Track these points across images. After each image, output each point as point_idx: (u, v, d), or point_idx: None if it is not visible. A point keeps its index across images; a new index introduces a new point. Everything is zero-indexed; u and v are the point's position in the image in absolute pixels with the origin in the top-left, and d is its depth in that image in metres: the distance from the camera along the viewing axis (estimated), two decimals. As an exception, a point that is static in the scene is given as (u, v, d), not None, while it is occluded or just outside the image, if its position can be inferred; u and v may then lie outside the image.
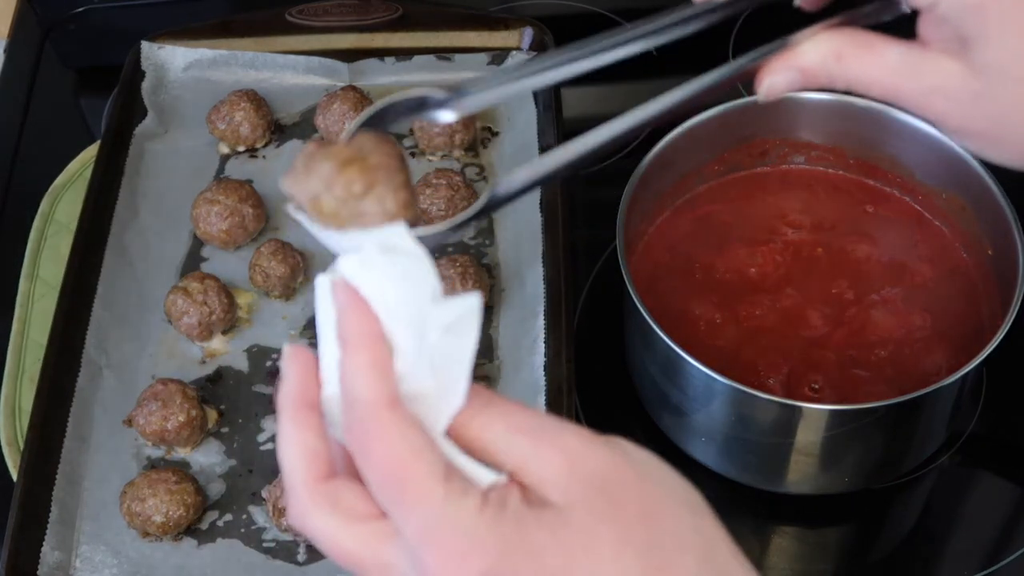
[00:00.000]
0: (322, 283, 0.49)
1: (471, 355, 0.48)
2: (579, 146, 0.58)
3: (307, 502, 0.48)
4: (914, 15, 0.63)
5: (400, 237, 0.48)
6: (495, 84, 0.55)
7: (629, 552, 0.45)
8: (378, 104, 0.52)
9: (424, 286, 0.48)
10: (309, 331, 0.95)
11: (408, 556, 0.46)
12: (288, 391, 0.50)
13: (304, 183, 0.48)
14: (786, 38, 0.62)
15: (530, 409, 0.48)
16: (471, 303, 0.48)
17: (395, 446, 0.46)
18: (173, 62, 1.09)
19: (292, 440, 0.49)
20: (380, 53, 1.10)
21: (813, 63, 0.61)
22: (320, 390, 0.50)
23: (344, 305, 0.48)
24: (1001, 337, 0.78)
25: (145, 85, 1.07)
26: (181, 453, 0.89)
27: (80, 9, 1.21)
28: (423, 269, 0.48)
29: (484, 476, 0.47)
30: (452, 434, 0.48)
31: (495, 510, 0.45)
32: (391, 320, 0.48)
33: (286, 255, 0.96)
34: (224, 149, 1.06)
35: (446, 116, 0.53)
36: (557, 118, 1.00)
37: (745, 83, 0.63)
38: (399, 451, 0.46)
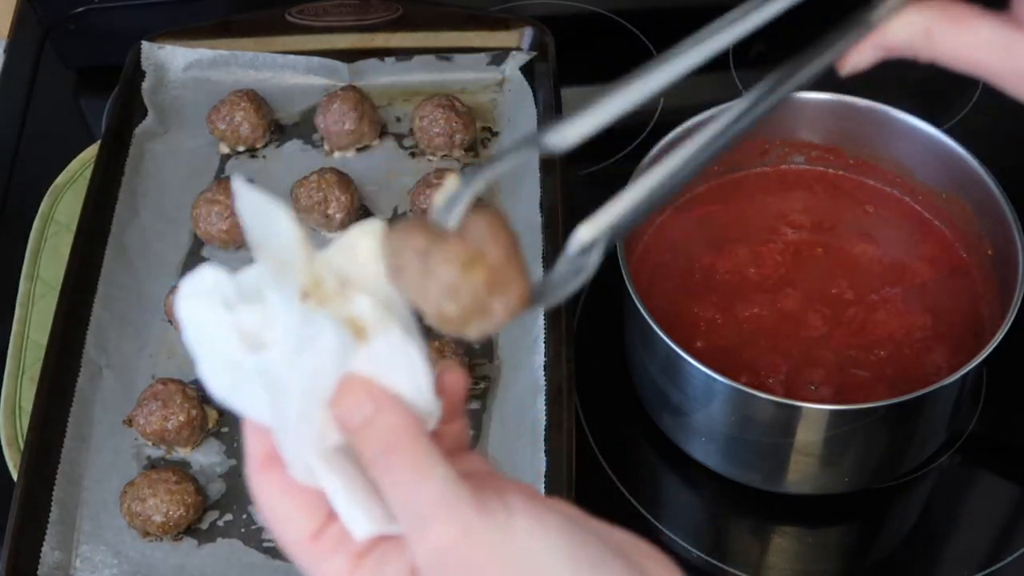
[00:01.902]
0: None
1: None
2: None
3: (300, 559, 0.49)
4: None
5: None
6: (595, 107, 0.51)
7: None
8: (487, 175, 0.47)
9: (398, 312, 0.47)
10: (309, 331, 0.95)
11: None
12: (250, 457, 0.50)
13: (422, 287, 0.45)
14: (865, 14, 0.59)
15: (431, 471, 0.45)
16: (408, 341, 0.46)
17: (265, 509, 0.49)
18: (173, 62, 1.09)
19: (268, 506, 0.49)
20: (380, 53, 1.10)
21: (901, 41, 0.59)
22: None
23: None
24: (1001, 337, 0.78)
25: (145, 85, 1.07)
26: (181, 453, 0.89)
27: (80, 9, 1.21)
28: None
29: (359, 531, 0.47)
30: None
31: (365, 574, 0.46)
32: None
33: (286, 255, 0.95)
34: (224, 149, 1.06)
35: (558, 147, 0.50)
36: (557, 118, 1.00)
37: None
38: (269, 514, 0.49)
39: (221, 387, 0.48)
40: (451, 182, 0.46)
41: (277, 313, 0.46)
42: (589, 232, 0.49)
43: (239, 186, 0.47)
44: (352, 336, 0.45)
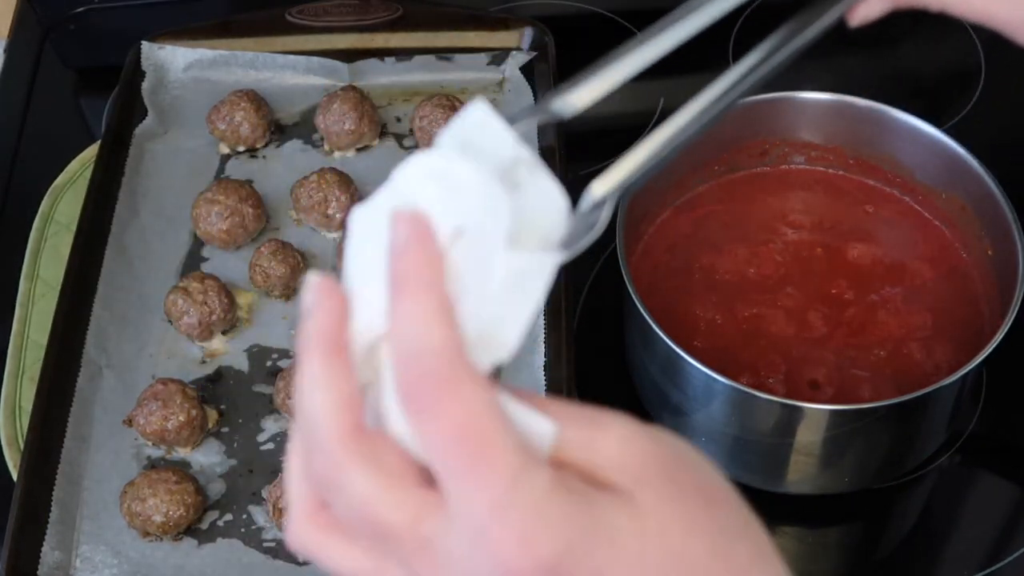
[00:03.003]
0: (365, 215, 0.44)
1: (527, 318, 0.44)
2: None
3: (341, 456, 0.41)
4: None
5: (492, 128, 0.44)
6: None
7: (696, 536, 0.43)
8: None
9: (499, 218, 0.42)
10: (309, 331, 0.95)
11: (464, 533, 0.41)
12: (320, 329, 0.42)
13: None
14: None
15: (573, 403, 0.45)
16: (543, 262, 0.43)
17: (472, 405, 0.40)
18: (173, 62, 1.09)
19: (324, 385, 0.42)
20: (380, 53, 1.10)
21: None
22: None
23: (408, 239, 0.42)
24: (1001, 337, 0.78)
25: (145, 85, 1.07)
26: (181, 453, 0.89)
27: (80, 9, 1.21)
28: (498, 199, 0.43)
29: (545, 429, 0.42)
30: None
31: (565, 490, 0.41)
32: (453, 255, 0.43)
33: (286, 255, 0.96)
34: (224, 149, 1.06)
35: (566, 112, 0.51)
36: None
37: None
38: (477, 411, 0.40)
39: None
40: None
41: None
42: (601, 188, 0.50)
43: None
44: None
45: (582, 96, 0.52)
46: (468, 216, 0.43)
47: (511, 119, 0.49)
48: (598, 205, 0.49)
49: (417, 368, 0.41)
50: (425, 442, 0.41)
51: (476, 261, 0.43)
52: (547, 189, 0.45)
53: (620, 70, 0.53)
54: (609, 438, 0.43)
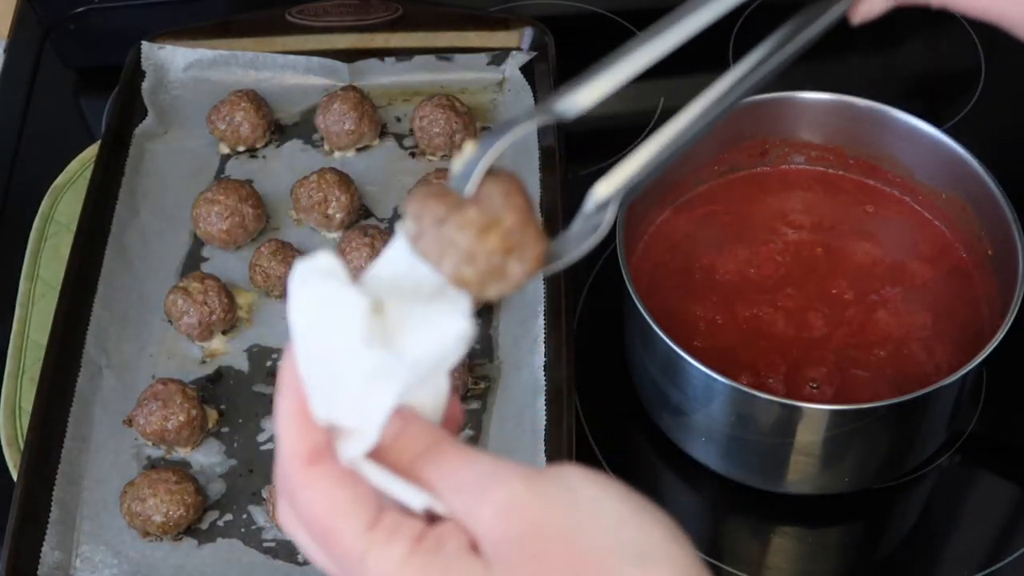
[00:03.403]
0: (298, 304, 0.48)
1: (383, 414, 0.46)
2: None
3: (296, 477, 0.47)
4: None
5: (334, 267, 0.46)
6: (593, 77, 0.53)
7: None
8: (501, 142, 0.49)
9: (352, 324, 0.45)
10: (309, 331, 0.95)
11: None
12: (293, 456, 0.49)
13: (441, 253, 0.47)
14: None
15: (476, 456, 0.47)
16: (396, 363, 0.45)
17: (316, 504, 0.46)
18: (173, 62, 1.09)
19: (287, 425, 0.48)
20: (380, 53, 1.10)
21: None
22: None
23: (283, 361, 0.49)
24: (1001, 337, 0.78)
25: (145, 85, 1.07)
26: (181, 453, 0.89)
27: (80, 9, 1.21)
28: (353, 305, 0.46)
29: (417, 501, 0.46)
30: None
31: (426, 556, 0.45)
32: (312, 354, 0.47)
33: (286, 255, 0.96)
34: (224, 149, 1.06)
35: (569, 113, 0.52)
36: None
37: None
38: (320, 509, 0.46)
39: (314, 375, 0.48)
40: (467, 148, 0.48)
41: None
42: (605, 189, 0.51)
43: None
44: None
45: (585, 97, 0.52)
46: (329, 325, 0.46)
47: (514, 120, 0.49)
48: (601, 207, 0.50)
49: (279, 468, 0.48)
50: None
51: (338, 361, 0.46)
52: (438, 313, 0.47)
53: (622, 70, 0.53)
54: (485, 508, 0.45)
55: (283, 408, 0.48)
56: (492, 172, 0.48)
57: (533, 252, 0.48)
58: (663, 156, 0.52)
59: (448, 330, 0.46)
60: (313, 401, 0.48)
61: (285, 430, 0.47)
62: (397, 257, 0.48)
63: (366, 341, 0.45)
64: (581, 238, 0.49)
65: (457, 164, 0.48)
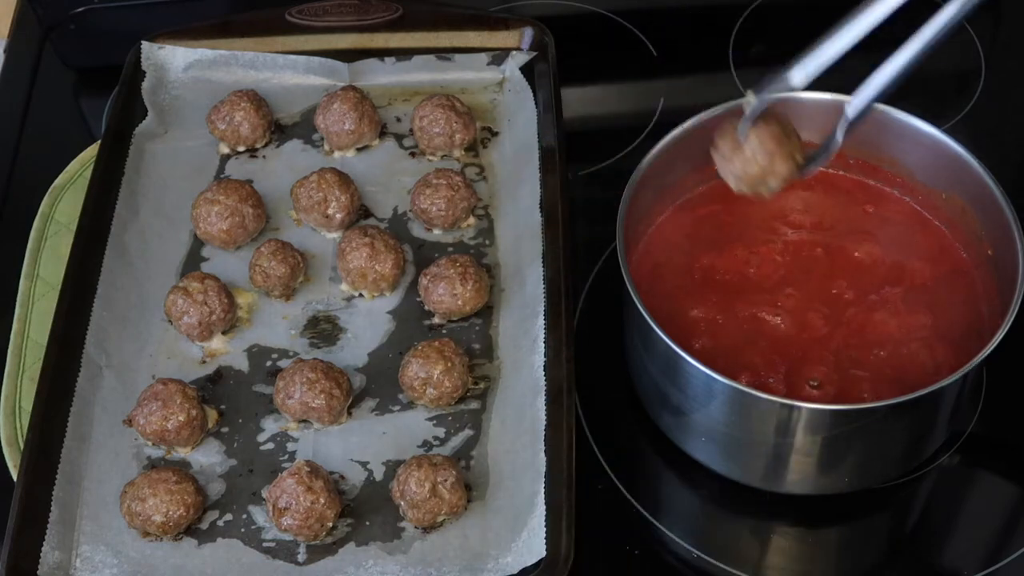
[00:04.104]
0: None
1: None
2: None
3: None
4: None
5: None
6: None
7: None
8: (754, 107, 0.75)
9: None
10: (309, 331, 0.95)
11: None
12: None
13: (729, 174, 0.78)
14: None
15: None
16: None
17: None
18: (173, 62, 1.09)
19: None
20: (380, 53, 1.10)
21: None
22: None
23: None
24: (1001, 337, 0.78)
25: (145, 85, 1.07)
26: (181, 453, 0.89)
27: (80, 9, 1.21)
28: None
29: None
30: None
31: None
32: None
33: (286, 255, 0.96)
34: (224, 149, 1.06)
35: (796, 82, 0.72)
36: (557, 118, 1.00)
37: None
38: None
39: None
40: (748, 99, 0.75)
41: None
42: (852, 110, 0.73)
43: None
44: None
45: (811, 66, 0.71)
46: None
47: (771, 82, 0.72)
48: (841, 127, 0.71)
49: None
50: None
51: None
52: None
53: (842, 40, 0.71)
54: None
55: None
56: (762, 118, 0.76)
57: (783, 172, 0.77)
58: (903, 73, 0.69)
59: None
60: None
61: None
62: None
63: None
64: (819, 156, 0.72)
65: (746, 109, 0.76)
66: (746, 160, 0.77)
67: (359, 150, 1.06)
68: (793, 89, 0.72)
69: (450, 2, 1.13)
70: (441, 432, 0.89)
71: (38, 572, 0.81)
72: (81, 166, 1.05)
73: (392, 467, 0.88)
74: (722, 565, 0.86)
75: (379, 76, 1.10)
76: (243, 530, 0.86)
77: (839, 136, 0.75)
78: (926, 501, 0.90)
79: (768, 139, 0.76)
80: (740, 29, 1.14)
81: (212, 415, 0.91)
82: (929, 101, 1.11)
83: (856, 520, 0.89)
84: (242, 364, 0.94)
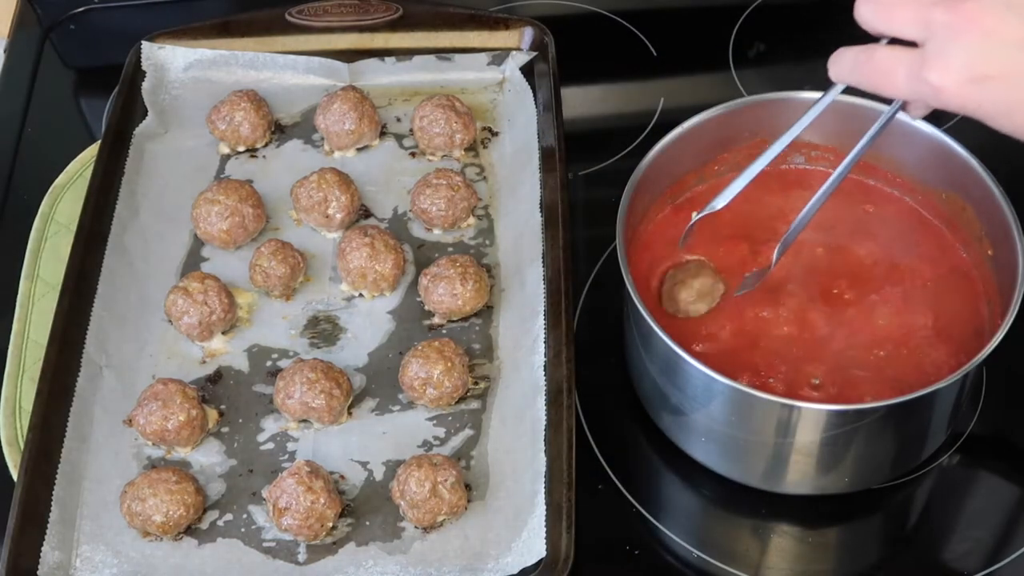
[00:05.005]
0: None
1: None
2: None
3: None
4: None
5: None
6: None
7: None
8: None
9: None
10: (309, 331, 0.95)
11: None
12: None
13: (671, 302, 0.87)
14: None
15: None
16: None
17: None
18: (173, 62, 1.09)
19: None
20: (380, 53, 1.10)
21: None
22: None
23: None
24: (1001, 337, 0.78)
25: (145, 85, 1.07)
26: (181, 453, 0.89)
27: (80, 9, 1.21)
28: None
29: None
30: None
31: None
32: None
33: (286, 255, 0.96)
34: (224, 149, 1.06)
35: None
36: (557, 118, 1.00)
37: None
38: None
39: None
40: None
41: None
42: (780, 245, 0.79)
43: None
44: None
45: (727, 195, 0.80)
46: None
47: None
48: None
49: None
50: None
51: None
52: None
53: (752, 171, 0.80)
54: None
55: None
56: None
57: (715, 298, 0.87)
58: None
59: None
60: None
61: None
62: None
63: None
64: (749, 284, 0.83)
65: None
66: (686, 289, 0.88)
67: (359, 150, 1.06)
68: (715, 209, 0.83)
69: (450, 2, 1.13)
70: (441, 432, 0.89)
71: (38, 572, 0.81)
72: (81, 166, 1.05)
73: (392, 467, 0.88)
74: (722, 565, 0.86)
75: (379, 76, 1.10)
76: (243, 530, 0.86)
77: (774, 259, 0.83)
78: (926, 501, 0.90)
79: (702, 273, 0.88)
80: (740, 29, 1.14)
81: (212, 415, 0.91)
82: (929, 101, 1.11)
83: (856, 520, 0.89)
84: (242, 364, 0.94)
